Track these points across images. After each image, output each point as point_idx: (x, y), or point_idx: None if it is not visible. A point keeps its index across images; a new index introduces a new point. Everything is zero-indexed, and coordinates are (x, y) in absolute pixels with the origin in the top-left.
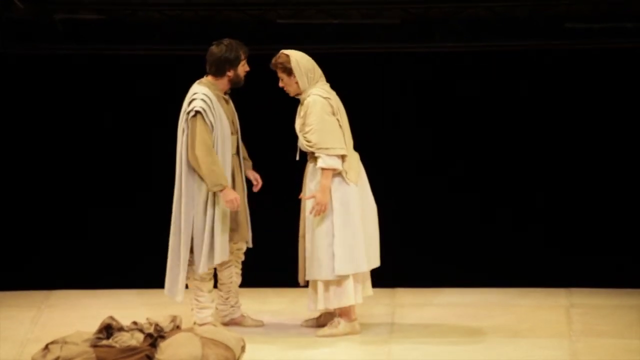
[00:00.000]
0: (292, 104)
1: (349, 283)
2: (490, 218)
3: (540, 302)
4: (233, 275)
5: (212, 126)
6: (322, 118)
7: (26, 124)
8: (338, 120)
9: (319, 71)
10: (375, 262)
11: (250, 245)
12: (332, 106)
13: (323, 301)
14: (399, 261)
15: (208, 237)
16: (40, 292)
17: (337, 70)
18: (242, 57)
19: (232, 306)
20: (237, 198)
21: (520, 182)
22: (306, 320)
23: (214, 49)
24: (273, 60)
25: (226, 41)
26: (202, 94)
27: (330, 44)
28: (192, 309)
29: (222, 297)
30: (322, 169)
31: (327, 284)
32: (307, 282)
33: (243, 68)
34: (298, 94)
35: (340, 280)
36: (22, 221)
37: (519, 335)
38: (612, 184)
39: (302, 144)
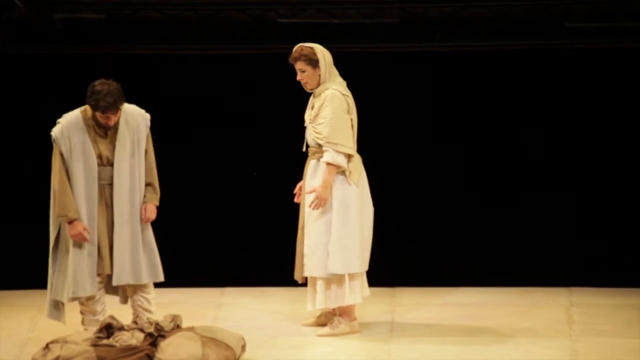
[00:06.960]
0: (294, 104)
1: (349, 282)
2: (490, 217)
3: (540, 302)
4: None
5: (64, 154)
6: (337, 113)
7: (26, 124)
8: (351, 120)
9: (334, 67)
10: (365, 266)
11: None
12: (348, 104)
13: (323, 300)
14: (399, 260)
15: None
16: (40, 292)
17: (336, 70)
18: (93, 108)
19: None
20: (81, 233)
21: (520, 181)
22: (306, 320)
23: (94, 83)
24: (296, 53)
25: (100, 86)
26: (64, 118)
27: (330, 44)
28: None
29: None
30: (328, 163)
31: (328, 283)
32: (305, 279)
33: (99, 117)
34: (314, 89)
35: (340, 280)
36: (22, 220)
37: (519, 335)
38: (612, 184)
39: (310, 136)
